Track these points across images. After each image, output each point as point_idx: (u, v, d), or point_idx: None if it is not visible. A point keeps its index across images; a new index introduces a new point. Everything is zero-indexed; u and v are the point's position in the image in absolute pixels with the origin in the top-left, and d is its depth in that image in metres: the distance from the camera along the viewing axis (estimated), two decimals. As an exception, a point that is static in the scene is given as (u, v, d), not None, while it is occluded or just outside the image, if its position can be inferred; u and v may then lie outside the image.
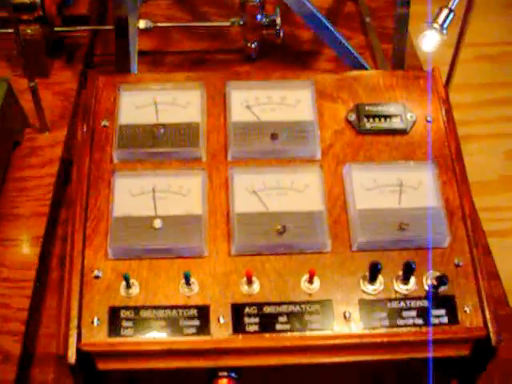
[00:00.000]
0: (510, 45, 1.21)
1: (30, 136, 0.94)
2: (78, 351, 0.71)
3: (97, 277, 0.74)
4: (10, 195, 0.88)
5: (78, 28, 1.05)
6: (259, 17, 1.03)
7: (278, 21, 1.03)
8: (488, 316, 0.74)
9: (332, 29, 0.93)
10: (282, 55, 1.10)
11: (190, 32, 1.13)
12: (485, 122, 1.09)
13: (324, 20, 0.92)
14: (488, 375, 0.79)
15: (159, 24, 1.05)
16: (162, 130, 0.81)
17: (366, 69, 0.96)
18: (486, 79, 1.16)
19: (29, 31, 0.96)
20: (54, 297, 0.85)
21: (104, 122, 0.83)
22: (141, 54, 0.97)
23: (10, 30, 0.85)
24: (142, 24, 1.03)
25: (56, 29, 1.02)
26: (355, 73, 0.89)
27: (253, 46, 1.06)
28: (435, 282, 0.74)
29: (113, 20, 0.91)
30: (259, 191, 0.79)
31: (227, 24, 1.05)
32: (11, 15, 0.83)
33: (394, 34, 0.97)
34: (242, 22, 1.04)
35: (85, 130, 0.82)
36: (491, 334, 0.73)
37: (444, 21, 0.79)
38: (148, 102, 0.84)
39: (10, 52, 1.00)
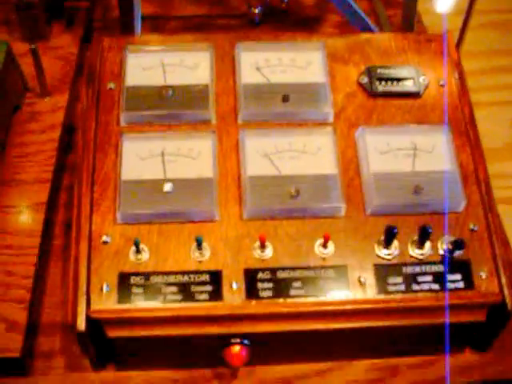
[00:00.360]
0: (514, 12, 1.20)
1: (31, 101, 0.91)
2: (87, 318, 0.69)
3: (105, 242, 0.72)
4: (11, 161, 0.85)
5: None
6: (264, -20, 1.00)
7: (283, -15, 1.01)
8: (504, 281, 0.73)
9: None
10: (285, 21, 1.07)
11: (193, -4, 1.10)
12: (490, 90, 1.08)
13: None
14: (501, 341, 0.79)
15: (161, -13, 1.02)
16: (170, 92, 0.79)
17: (373, 32, 0.94)
18: (492, 47, 1.14)
19: (28, -7, 0.93)
20: (58, 265, 0.82)
21: (110, 85, 0.81)
22: (142, 18, 0.94)
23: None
24: (143, -13, 1.00)
25: (55, -8, 0.99)
26: (366, 35, 0.87)
27: (256, 10, 1.03)
28: (451, 247, 0.73)
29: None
30: (271, 154, 0.77)
31: (230, -13, 1.03)
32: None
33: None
34: (245, -14, 1.02)
35: (90, 92, 0.80)
36: (507, 299, 0.72)
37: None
38: (155, 64, 0.81)
39: (9, 16, 0.97)
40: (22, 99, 0.90)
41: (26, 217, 0.82)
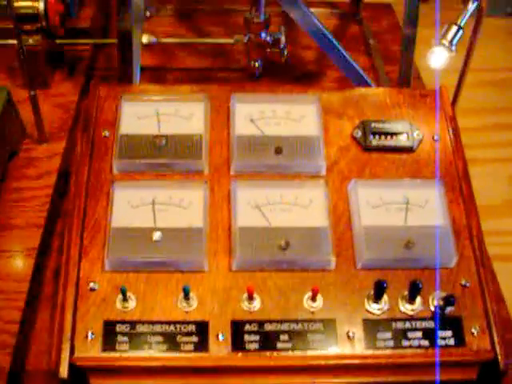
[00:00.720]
0: (513, 71, 1.21)
1: (28, 147, 0.92)
2: (71, 366, 0.68)
3: (92, 289, 0.72)
4: (5, 206, 0.85)
5: (80, 41, 1.04)
6: (263, 35, 1.02)
7: (283, 39, 1.02)
8: (496, 339, 0.72)
9: (338, 45, 0.92)
10: (285, 75, 1.09)
11: (193, 49, 1.12)
12: (489, 147, 1.08)
13: (330, 36, 0.91)
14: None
15: (162, 40, 1.04)
16: (163, 141, 0.79)
17: (371, 87, 0.95)
18: (490, 104, 1.15)
19: (31, 41, 0.94)
20: (47, 311, 0.82)
21: (105, 132, 0.81)
22: (143, 69, 0.96)
23: (12, 41, 0.84)
24: (145, 39, 1.02)
25: (58, 41, 1.01)
26: (361, 90, 0.88)
27: (256, 64, 1.05)
28: (442, 303, 0.72)
29: (117, 32, 0.90)
30: (262, 206, 0.77)
31: (231, 41, 1.04)
32: (14, 25, 0.82)
33: (400, 54, 0.96)
34: (245, 40, 1.03)
35: (85, 139, 0.80)
36: (499, 357, 0.71)
37: (453, 37, 0.78)
38: (150, 113, 0.82)
39: (12, 62, 0.99)
40: (19, 145, 0.91)
41: (17, 261, 0.82)
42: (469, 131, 0.90)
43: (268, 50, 1.03)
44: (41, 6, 0.93)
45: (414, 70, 1.06)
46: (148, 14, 1.14)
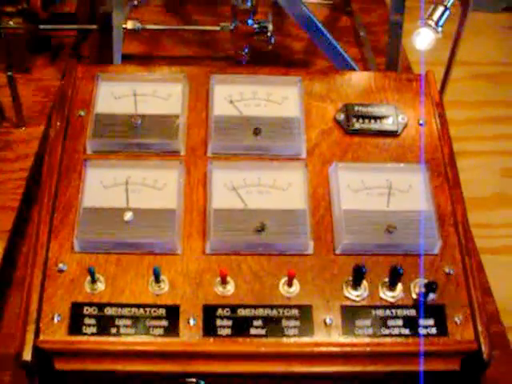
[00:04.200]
0: (506, 65, 1.19)
1: (6, 130, 0.90)
2: (35, 348, 0.65)
3: (61, 270, 0.70)
4: (-20, 188, 0.84)
5: (65, 26, 1.02)
6: (250, 22, 1.00)
7: (270, 27, 1.00)
8: (480, 328, 0.69)
9: (325, 32, 0.90)
10: (272, 63, 1.07)
11: (180, 38, 1.10)
12: (480, 139, 1.06)
13: (317, 22, 0.89)
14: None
15: (147, 26, 1.02)
16: (139, 121, 0.77)
17: (357, 72, 0.93)
18: (482, 97, 1.13)
19: (11, 23, 0.93)
20: (19, 296, 0.79)
21: (80, 112, 0.79)
22: (129, 57, 0.94)
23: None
24: (130, 25, 1.00)
25: (42, 26, 0.99)
26: (346, 74, 0.85)
27: (243, 52, 1.03)
28: (424, 290, 0.70)
29: (97, 14, 0.88)
30: (239, 188, 0.75)
31: (217, 28, 1.02)
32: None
33: (387, 41, 0.94)
34: (232, 27, 1.01)
35: (59, 118, 0.78)
36: (483, 348, 0.68)
37: (439, 18, 0.75)
38: (127, 93, 0.80)
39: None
40: (-4, 128, 0.90)
41: (-12, 244, 0.80)
42: (459, 124, 0.88)
43: (255, 37, 1.01)
44: (21, -13, 0.92)
45: (404, 62, 1.04)
46: (136, 2, 1.11)
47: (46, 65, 1.00)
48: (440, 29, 0.76)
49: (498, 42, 1.23)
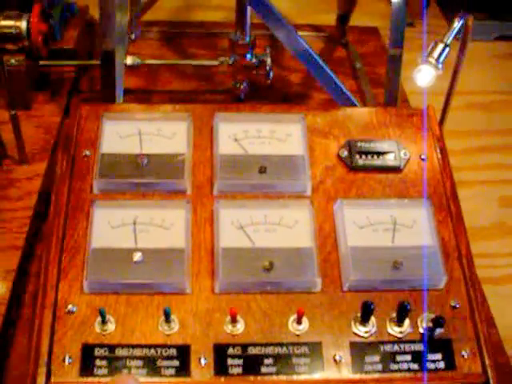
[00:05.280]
0: (501, 94, 1.21)
1: (9, 168, 0.90)
2: (47, 391, 0.66)
3: (70, 312, 0.70)
4: (-16, 227, 0.84)
5: (65, 62, 1.02)
6: (249, 56, 1.01)
7: (268, 61, 1.01)
8: (487, 361, 0.70)
9: (324, 66, 0.90)
10: (270, 97, 1.08)
11: (178, 72, 1.11)
12: (477, 169, 1.07)
13: (316, 57, 0.90)
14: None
15: (147, 61, 1.03)
16: (145, 161, 0.78)
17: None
18: (477, 127, 1.14)
19: (13, 61, 0.93)
20: (25, 336, 0.79)
21: (86, 152, 0.79)
22: (128, 92, 0.95)
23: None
24: (129, 60, 1.01)
25: (42, 62, 0.99)
26: (347, 110, 0.87)
27: (241, 86, 1.04)
28: (431, 325, 0.70)
29: (99, 52, 0.88)
30: (246, 226, 0.75)
31: (216, 63, 1.03)
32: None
33: (386, 75, 0.95)
34: (231, 62, 1.02)
35: (65, 158, 0.78)
36: (491, 381, 0.69)
37: (439, 55, 0.77)
38: (132, 132, 0.81)
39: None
40: (-1, 165, 0.90)
41: (-6, 284, 0.79)
42: (457, 154, 0.89)
43: (253, 72, 1.02)
44: (23, 25, 0.92)
45: (400, 93, 1.05)
46: (133, 36, 1.13)
47: (46, 101, 1.00)
48: (441, 65, 0.77)
49: (491, 71, 1.25)
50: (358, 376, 0.69)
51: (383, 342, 0.71)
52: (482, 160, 1.09)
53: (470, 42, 0.83)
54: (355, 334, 0.71)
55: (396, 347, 0.70)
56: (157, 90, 1.09)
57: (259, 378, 0.68)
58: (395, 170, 0.81)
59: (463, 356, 0.70)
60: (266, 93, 1.07)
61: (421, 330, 0.71)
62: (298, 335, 0.70)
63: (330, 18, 1.23)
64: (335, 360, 0.69)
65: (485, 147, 1.11)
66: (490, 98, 1.20)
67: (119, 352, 0.68)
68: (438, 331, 0.71)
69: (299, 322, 0.70)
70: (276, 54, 1.13)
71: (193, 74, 1.11)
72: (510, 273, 0.95)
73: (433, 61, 0.77)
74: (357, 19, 1.22)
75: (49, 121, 0.97)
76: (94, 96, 1.04)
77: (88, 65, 1.07)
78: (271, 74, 1.02)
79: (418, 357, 0.70)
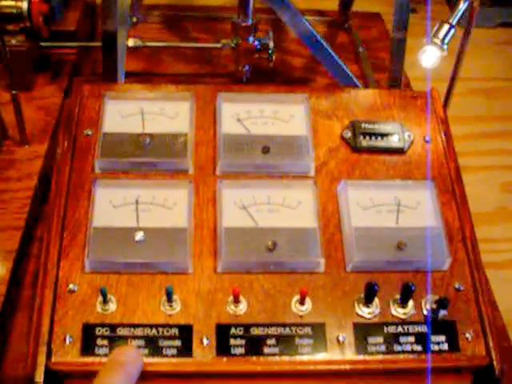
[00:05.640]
0: (504, 80, 1.20)
1: (9, 148, 0.89)
2: (47, 370, 0.65)
3: (71, 291, 0.69)
4: (-16, 207, 0.83)
5: (66, 44, 1.02)
6: (251, 39, 1.00)
7: (271, 44, 1.00)
8: (491, 344, 0.69)
9: (328, 48, 0.90)
10: (273, 81, 1.07)
11: (181, 55, 1.10)
12: (479, 154, 1.07)
13: (319, 38, 0.89)
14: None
15: (148, 43, 1.02)
16: (147, 140, 0.77)
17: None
18: (480, 112, 1.14)
19: (14, 42, 0.92)
20: (25, 316, 0.78)
21: (87, 131, 0.79)
22: (129, 74, 0.93)
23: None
24: (131, 42, 1.00)
25: (43, 43, 0.98)
26: (351, 91, 0.86)
27: (244, 69, 1.03)
28: (435, 306, 0.70)
29: (101, 33, 0.88)
30: (249, 206, 0.75)
31: (218, 46, 1.02)
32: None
33: (390, 58, 0.95)
34: (233, 45, 1.01)
35: (66, 138, 0.78)
36: (494, 363, 0.68)
37: (445, 36, 0.76)
38: (134, 112, 0.80)
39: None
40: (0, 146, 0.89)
41: (-5, 265, 0.79)
42: (459, 139, 0.88)
43: (256, 55, 1.02)
44: (24, 5, 0.91)
45: (403, 79, 1.05)
46: (135, 19, 1.11)
47: (46, 83, 0.99)
48: (446, 46, 0.77)
49: (493, 57, 1.24)
50: (361, 357, 0.68)
51: (387, 324, 0.70)
52: (484, 146, 1.09)
53: (473, 28, 0.82)
54: (358, 315, 0.70)
55: (400, 328, 0.70)
56: (158, 73, 1.08)
57: (262, 358, 0.67)
58: (399, 151, 0.80)
59: (467, 338, 0.70)
60: (268, 77, 1.06)
61: (424, 312, 0.71)
62: (301, 316, 0.70)
63: (332, 4, 1.22)
64: (338, 341, 0.69)
65: (487, 133, 1.10)
66: (493, 85, 1.19)
67: (120, 332, 0.67)
68: (442, 313, 0.70)
69: (302, 302, 0.70)
70: (278, 38, 1.12)
71: (195, 57, 1.10)
72: (512, 257, 0.95)
73: (438, 41, 0.76)
74: (359, 5, 1.21)
75: (50, 102, 0.96)
76: (95, 79, 1.03)
77: (89, 47, 1.06)
78: (273, 57, 1.01)
79: (421, 338, 0.69)
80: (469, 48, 0.84)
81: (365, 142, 0.80)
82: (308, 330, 0.69)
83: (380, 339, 0.69)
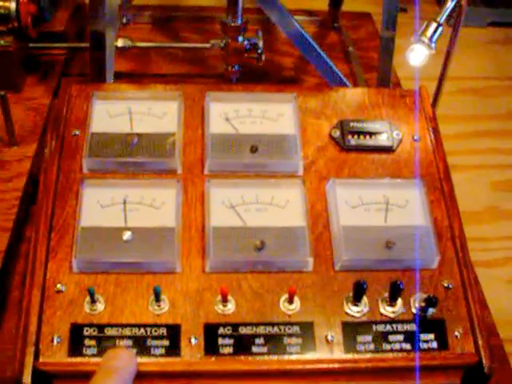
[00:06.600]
0: (493, 79, 1.21)
1: (-2, 150, 0.89)
2: (35, 371, 0.64)
3: (59, 291, 0.69)
4: (-28, 208, 0.83)
5: (55, 45, 1.01)
6: (240, 39, 1.00)
7: (260, 44, 1.00)
8: (480, 342, 0.69)
9: (317, 48, 0.90)
10: (262, 81, 1.07)
11: (170, 55, 1.10)
12: (470, 153, 1.07)
13: (309, 39, 0.89)
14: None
15: (138, 44, 1.02)
16: (135, 140, 0.77)
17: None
18: (470, 111, 1.15)
19: (2, 42, 0.92)
20: (14, 318, 0.78)
21: (75, 131, 0.78)
22: (118, 75, 0.93)
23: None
24: (120, 42, 1.00)
25: (31, 44, 0.98)
26: (339, 90, 0.86)
27: (233, 69, 1.03)
28: (423, 304, 0.70)
29: (89, 33, 0.87)
30: (237, 206, 0.74)
31: (207, 46, 1.02)
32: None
33: (379, 57, 0.95)
34: (222, 45, 1.01)
35: (54, 138, 0.78)
36: (483, 361, 0.68)
37: (432, 34, 0.76)
38: (122, 111, 0.80)
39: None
40: (-13, 148, 0.89)
41: (-18, 266, 0.78)
42: (449, 138, 0.88)
43: (245, 55, 1.02)
44: (12, 5, 0.91)
45: (393, 78, 1.05)
46: (125, 20, 1.11)
47: (35, 83, 0.99)
48: (433, 45, 0.77)
49: (484, 57, 1.25)
50: (350, 356, 0.68)
51: (375, 322, 0.70)
52: (474, 145, 1.09)
53: (463, 28, 0.83)
54: (347, 313, 0.70)
55: (388, 327, 0.70)
56: (148, 73, 1.08)
57: (250, 357, 0.67)
58: (388, 150, 0.80)
59: (456, 336, 0.70)
60: (258, 76, 1.06)
61: (413, 310, 0.70)
62: (289, 315, 0.69)
63: (322, 4, 1.22)
64: (327, 340, 0.69)
65: (477, 132, 1.11)
66: (483, 84, 1.20)
67: (108, 332, 0.67)
68: (431, 311, 0.70)
69: (291, 301, 0.70)
70: (268, 38, 1.12)
71: (184, 57, 1.10)
72: (502, 256, 0.95)
73: (426, 40, 0.76)
74: (349, 5, 1.22)
75: (39, 103, 0.96)
76: (84, 79, 1.03)
77: (78, 47, 1.06)
78: (263, 57, 1.01)
79: (410, 337, 0.69)
80: (459, 47, 0.84)
81: (353, 141, 0.80)
82: (296, 329, 0.69)
83: (369, 338, 0.69)
